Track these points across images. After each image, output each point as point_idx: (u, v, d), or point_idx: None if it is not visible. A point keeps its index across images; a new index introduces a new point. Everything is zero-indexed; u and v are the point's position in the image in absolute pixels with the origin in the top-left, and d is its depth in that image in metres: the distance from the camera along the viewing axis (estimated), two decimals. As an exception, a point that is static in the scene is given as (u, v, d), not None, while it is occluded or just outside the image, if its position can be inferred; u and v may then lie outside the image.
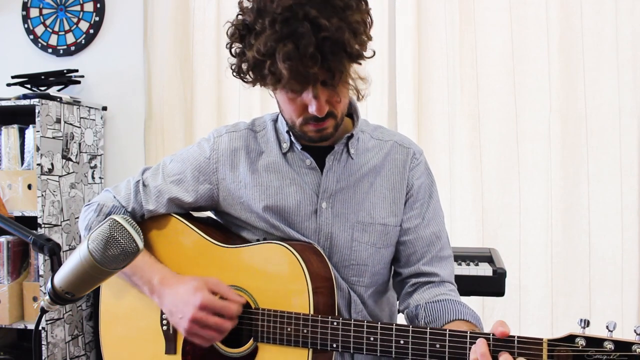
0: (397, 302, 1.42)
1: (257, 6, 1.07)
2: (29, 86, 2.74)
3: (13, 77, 2.74)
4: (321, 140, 1.22)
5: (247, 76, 1.15)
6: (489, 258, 2.02)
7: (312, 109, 1.13)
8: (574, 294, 2.40)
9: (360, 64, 1.11)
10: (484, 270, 1.90)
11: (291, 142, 1.28)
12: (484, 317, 2.43)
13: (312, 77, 1.07)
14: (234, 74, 1.18)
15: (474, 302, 1.74)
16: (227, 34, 1.15)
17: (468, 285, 1.83)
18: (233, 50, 1.15)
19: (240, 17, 1.12)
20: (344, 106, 1.21)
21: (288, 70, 1.04)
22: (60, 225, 2.53)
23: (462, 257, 2.00)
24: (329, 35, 1.02)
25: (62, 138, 2.56)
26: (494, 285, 1.88)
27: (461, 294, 1.31)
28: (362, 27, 1.08)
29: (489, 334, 1.00)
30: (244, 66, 1.14)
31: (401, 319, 1.35)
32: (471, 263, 1.97)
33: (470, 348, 1.01)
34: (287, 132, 1.27)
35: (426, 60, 2.55)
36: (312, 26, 1.02)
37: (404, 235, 1.29)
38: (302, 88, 1.11)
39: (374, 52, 1.13)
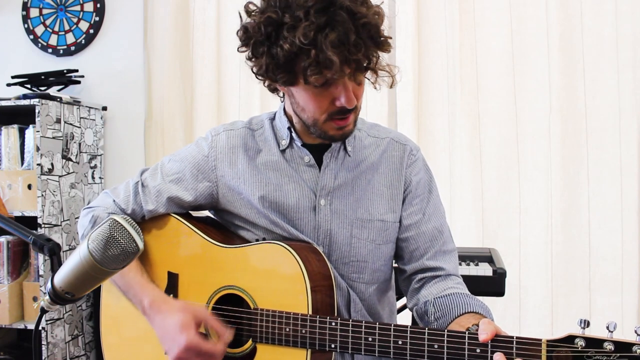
0: (398, 300, 1.42)
1: (280, 2, 1.07)
2: (29, 86, 2.74)
3: (13, 77, 2.74)
4: (341, 138, 1.23)
5: (275, 74, 1.12)
6: (489, 258, 2.02)
7: (343, 101, 1.13)
8: (574, 294, 2.40)
9: (388, 51, 1.13)
10: (484, 270, 1.90)
11: (291, 138, 1.28)
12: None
13: (358, 63, 1.07)
14: (258, 75, 1.17)
15: (473, 302, 1.74)
16: (243, 35, 1.13)
17: (468, 285, 1.82)
18: (254, 51, 1.12)
19: (260, 15, 1.10)
20: (361, 103, 1.22)
21: (338, 56, 1.03)
22: (60, 225, 2.53)
23: (462, 257, 1.99)
24: (367, 22, 1.05)
25: (62, 138, 2.56)
26: (494, 285, 1.88)
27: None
28: (383, 17, 1.11)
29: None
30: (273, 63, 1.10)
31: (401, 319, 1.35)
32: (471, 263, 1.97)
33: (468, 348, 1.01)
34: (288, 128, 1.27)
35: (426, 60, 2.55)
36: (348, 14, 1.03)
37: (406, 232, 1.29)
38: (349, 73, 1.09)
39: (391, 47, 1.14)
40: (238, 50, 1.17)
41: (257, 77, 1.20)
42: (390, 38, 1.12)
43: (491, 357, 0.97)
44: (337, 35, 1.03)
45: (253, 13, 1.12)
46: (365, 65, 1.09)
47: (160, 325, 1.21)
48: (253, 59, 1.15)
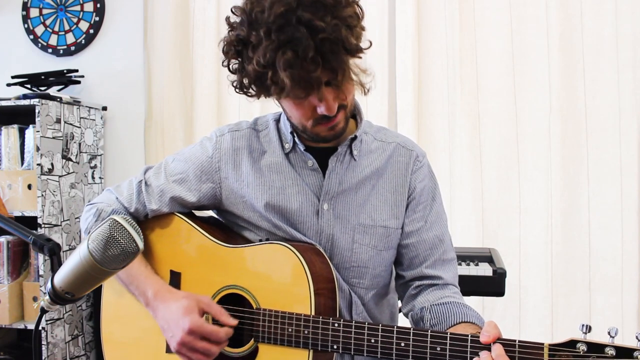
0: (399, 304, 1.42)
1: (248, 19, 1.06)
2: (29, 86, 2.74)
3: (13, 77, 2.74)
4: (335, 137, 1.22)
5: (250, 90, 1.15)
6: (489, 258, 2.02)
7: (322, 110, 1.13)
8: (574, 294, 2.40)
9: (360, 57, 1.10)
10: (484, 270, 1.90)
11: (294, 142, 1.27)
12: (484, 318, 2.43)
13: (315, 81, 1.06)
14: (236, 90, 1.18)
15: (474, 302, 1.74)
16: (222, 51, 1.14)
17: (468, 285, 1.83)
18: (231, 66, 1.15)
19: (232, 32, 1.11)
20: (352, 97, 1.21)
21: (290, 78, 1.03)
22: (60, 225, 2.53)
23: (462, 257, 1.99)
24: (326, 36, 1.01)
25: (62, 138, 2.56)
26: (494, 285, 1.88)
27: (462, 294, 1.31)
28: (356, 20, 1.08)
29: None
30: (246, 81, 1.13)
31: (401, 321, 1.35)
32: (471, 263, 1.97)
33: (470, 351, 1.01)
34: (291, 132, 1.27)
35: (426, 60, 2.55)
36: (308, 30, 1.01)
37: (407, 238, 1.28)
38: (306, 94, 1.09)
39: (371, 43, 1.12)
40: (222, 64, 1.17)
41: (236, 91, 1.20)
42: (360, 42, 1.09)
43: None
44: (292, 55, 1.01)
45: (230, 26, 1.12)
46: (329, 79, 1.08)
47: (163, 314, 1.20)
48: (231, 74, 1.16)
